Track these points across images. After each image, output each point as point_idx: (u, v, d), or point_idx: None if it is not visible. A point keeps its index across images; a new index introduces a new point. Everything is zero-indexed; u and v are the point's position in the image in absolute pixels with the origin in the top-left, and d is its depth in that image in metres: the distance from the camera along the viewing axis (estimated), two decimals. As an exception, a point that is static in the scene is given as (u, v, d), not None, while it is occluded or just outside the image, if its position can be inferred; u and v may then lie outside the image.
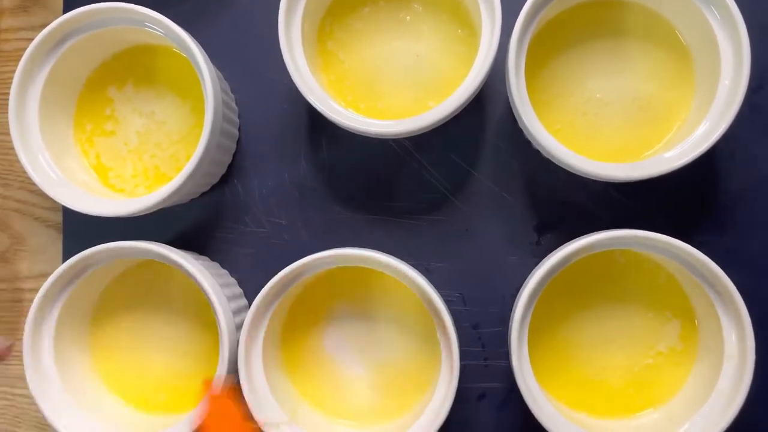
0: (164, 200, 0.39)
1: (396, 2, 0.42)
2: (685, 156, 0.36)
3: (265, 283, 0.38)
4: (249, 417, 0.38)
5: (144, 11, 0.39)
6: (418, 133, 0.39)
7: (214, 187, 0.45)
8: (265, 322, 0.39)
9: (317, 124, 0.45)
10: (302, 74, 0.39)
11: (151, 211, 0.40)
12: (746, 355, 0.35)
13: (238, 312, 0.41)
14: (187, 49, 0.39)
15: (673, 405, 0.39)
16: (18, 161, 0.40)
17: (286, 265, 0.38)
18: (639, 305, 0.40)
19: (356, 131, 0.39)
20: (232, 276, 0.45)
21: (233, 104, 0.44)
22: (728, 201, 0.43)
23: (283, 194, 0.45)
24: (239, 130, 0.45)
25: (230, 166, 0.45)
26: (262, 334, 0.39)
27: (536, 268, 0.38)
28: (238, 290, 0.44)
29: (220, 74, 0.43)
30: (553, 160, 0.39)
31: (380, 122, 0.39)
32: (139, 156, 0.44)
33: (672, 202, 0.43)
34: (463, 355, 0.37)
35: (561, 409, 0.38)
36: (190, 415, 0.38)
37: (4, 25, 0.50)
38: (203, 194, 0.45)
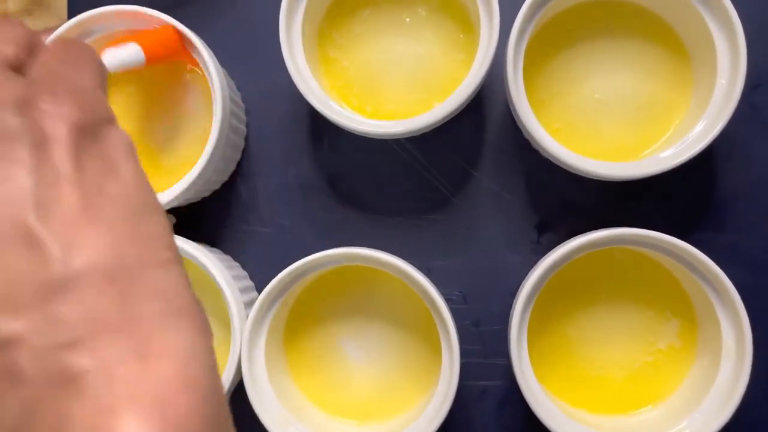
0: (176, 198, 0.39)
1: (396, 4, 0.42)
2: (683, 155, 0.37)
3: (269, 282, 0.38)
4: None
5: (152, 13, 0.39)
6: (419, 133, 0.40)
7: (218, 188, 0.46)
8: (268, 321, 0.39)
9: (320, 124, 0.45)
10: (303, 77, 0.39)
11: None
12: (744, 352, 0.35)
13: (249, 304, 0.41)
14: (195, 50, 0.39)
15: (672, 402, 0.39)
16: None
17: (289, 264, 0.38)
18: (638, 303, 0.41)
19: (357, 132, 0.39)
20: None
21: (239, 100, 0.44)
22: (726, 199, 0.43)
23: (287, 194, 0.45)
24: (246, 126, 0.46)
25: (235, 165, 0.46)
26: (265, 333, 0.39)
27: (535, 266, 0.39)
28: (249, 283, 0.44)
29: (225, 71, 0.43)
30: (552, 160, 0.39)
31: (381, 123, 0.39)
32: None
33: (670, 201, 0.43)
34: (464, 353, 0.38)
35: (561, 406, 0.38)
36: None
37: (10, 29, 0.50)
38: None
